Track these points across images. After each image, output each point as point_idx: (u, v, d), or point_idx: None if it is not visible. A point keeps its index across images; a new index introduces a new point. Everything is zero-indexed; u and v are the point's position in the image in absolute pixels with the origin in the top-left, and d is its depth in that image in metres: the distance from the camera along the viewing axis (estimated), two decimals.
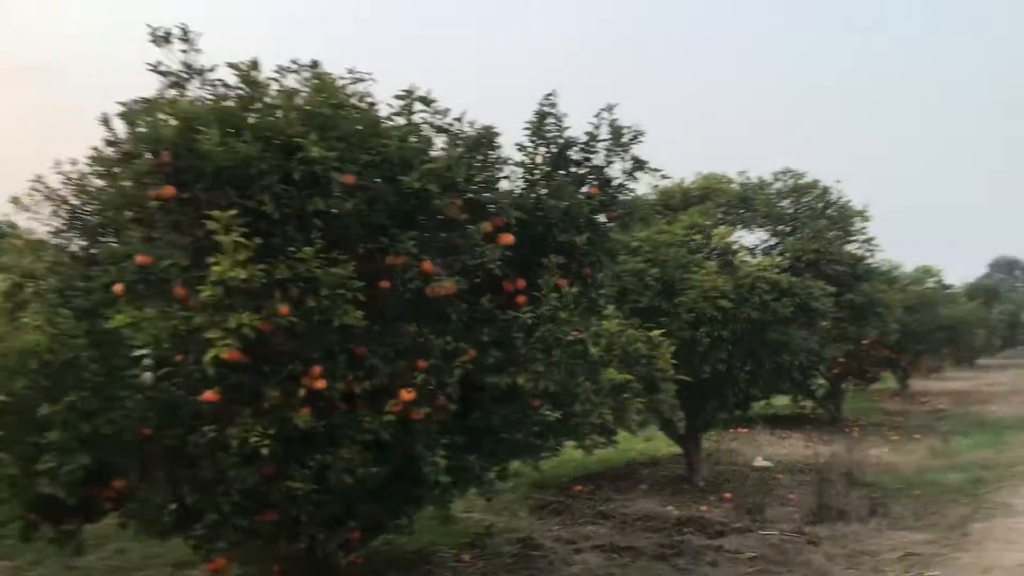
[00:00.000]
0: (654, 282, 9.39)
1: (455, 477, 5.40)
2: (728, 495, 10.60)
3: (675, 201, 11.39)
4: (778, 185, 11.24)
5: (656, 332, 4.50)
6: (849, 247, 11.01)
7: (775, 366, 10.03)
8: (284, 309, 4.01)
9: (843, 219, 10.83)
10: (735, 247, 10.25)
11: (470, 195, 4.62)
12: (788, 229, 10.93)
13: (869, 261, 11.11)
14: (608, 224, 5.42)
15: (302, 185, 4.13)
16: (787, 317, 9.58)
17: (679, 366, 10.10)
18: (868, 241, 11.10)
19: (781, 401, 18.83)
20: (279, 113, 4.39)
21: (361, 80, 4.76)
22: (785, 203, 11.11)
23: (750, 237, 11.25)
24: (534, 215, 5.10)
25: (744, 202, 11.05)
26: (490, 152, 4.82)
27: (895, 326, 12.73)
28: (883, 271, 17.58)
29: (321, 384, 4.32)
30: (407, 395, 4.45)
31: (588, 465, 13.03)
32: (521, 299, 4.88)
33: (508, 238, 4.65)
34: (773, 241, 11.03)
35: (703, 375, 9.78)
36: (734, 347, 9.81)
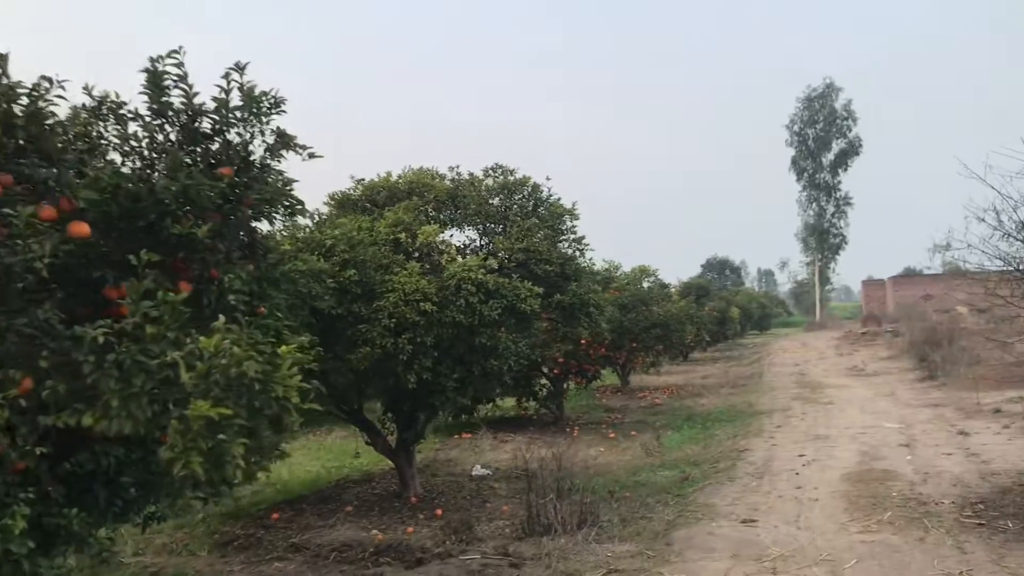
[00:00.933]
0: (352, 285, 8.49)
1: (44, 540, 4.17)
2: (440, 511, 9.92)
3: (381, 196, 10.54)
4: (489, 182, 10.69)
5: (286, 348, 3.50)
6: (560, 246, 10.65)
7: (484, 372, 9.43)
8: None
9: (553, 218, 10.45)
10: (443, 246, 9.54)
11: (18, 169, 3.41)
12: (499, 228, 10.39)
13: (580, 261, 10.81)
14: (247, 213, 4.39)
15: None
16: (495, 320, 9.00)
17: (383, 376, 9.48)
18: (578, 240, 10.82)
19: (509, 403, 18.65)
20: None
21: None
22: (495, 201, 10.57)
23: (460, 236, 10.63)
24: (143, 200, 3.98)
25: (454, 199, 10.39)
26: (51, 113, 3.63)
27: (606, 325, 12.64)
28: (597, 271, 17.81)
29: None
30: None
31: (293, 488, 11.88)
32: (124, 309, 3.75)
33: (81, 228, 3.50)
34: (483, 240, 10.44)
35: (409, 385, 9.00)
36: (440, 354, 9.11)
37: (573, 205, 10.71)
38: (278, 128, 4.37)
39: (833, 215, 69.63)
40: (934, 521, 7.55)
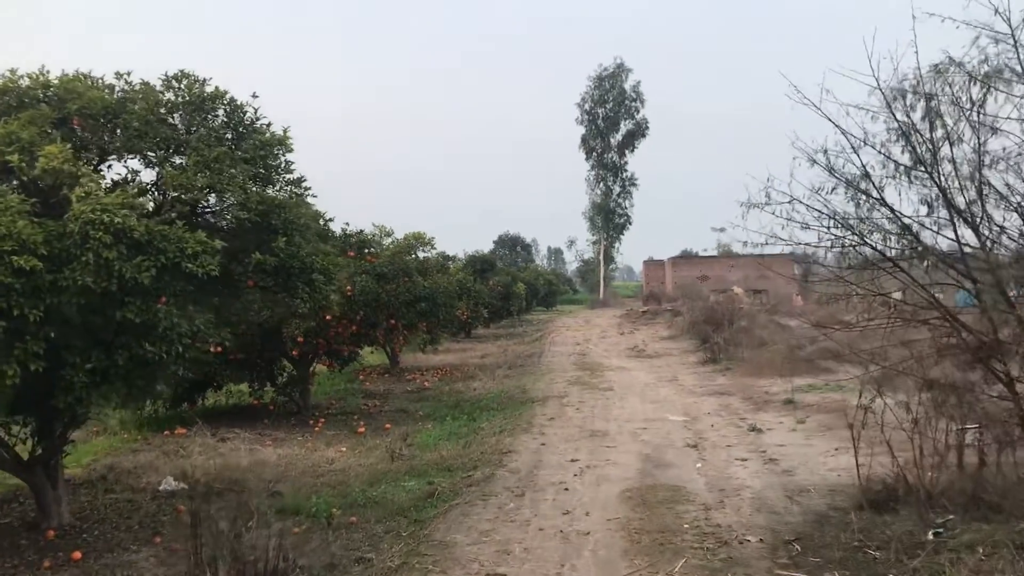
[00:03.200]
0: None
1: None
2: (79, 554, 7.01)
3: (5, 102, 7.31)
4: (170, 95, 7.71)
5: None
6: (272, 189, 7.89)
7: (137, 360, 6.54)
8: None
9: (256, 149, 7.62)
10: (79, 175, 6.48)
11: None
12: (182, 160, 7.42)
13: (298, 210, 8.01)
14: None
15: None
16: (145, 287, 6.15)
17: None
18: (296, 183, 8.07)
19: (245, 387, 15.66)
20: None
21: None
22: (177, 121, 7.61)
23: (121, 170, 7.59)
24: None
25: (116, 115, 7.33)
26: None
27: (337, 297, 9.95)
28: (353, 233, 15.06)
29: None
30: None
31: None
32: None
33: None
34: (156, 175, 7.43)
35: (8, 380, 5.97)
36: (61, 335, 6.15)
37: (285, 132, 7.94)
38: None
39: (619, 195, 70.29)
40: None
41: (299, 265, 8.18)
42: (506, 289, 35.91)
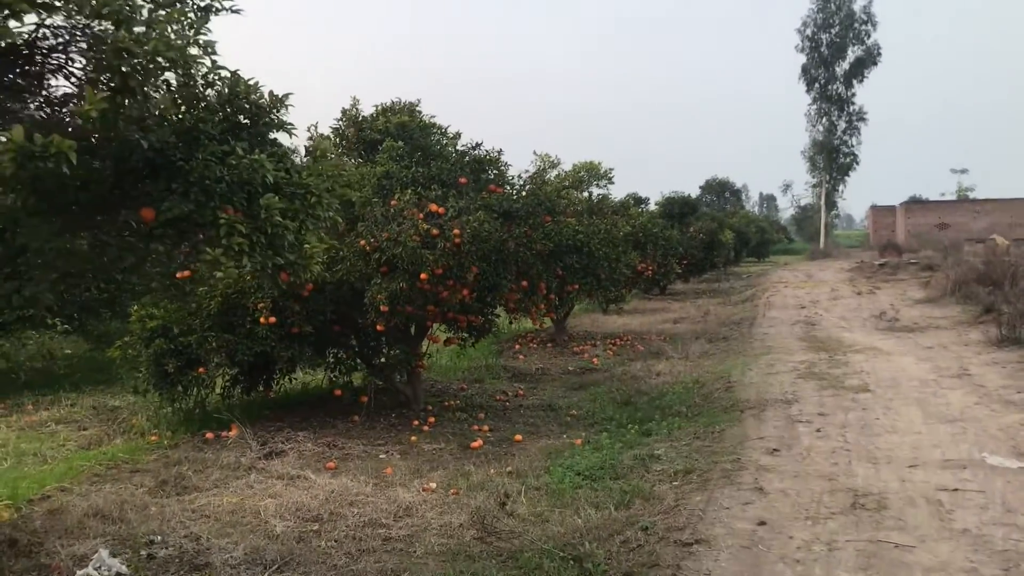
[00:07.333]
0: None
1: None
2: None
3: None
4: None
5: None
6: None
7: None
8: None
9: None
10: None
11: None
12: None
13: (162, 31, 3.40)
14: None
15: None
16: None
17: None
18: None
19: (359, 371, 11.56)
20: None
21: None
22: None
23: None
24: None
25: None
26: None
27: (320, 254, 5.31)
28: (467, 148, 10.34)
29: None
30: None
31: None
32: None
33: None
34: None
35: None
36: None
37: None
38: None
39: (844, 131, 61.97)
40: None
41: (201, 176, 3.61)
42: (710, 237, 30.20)
